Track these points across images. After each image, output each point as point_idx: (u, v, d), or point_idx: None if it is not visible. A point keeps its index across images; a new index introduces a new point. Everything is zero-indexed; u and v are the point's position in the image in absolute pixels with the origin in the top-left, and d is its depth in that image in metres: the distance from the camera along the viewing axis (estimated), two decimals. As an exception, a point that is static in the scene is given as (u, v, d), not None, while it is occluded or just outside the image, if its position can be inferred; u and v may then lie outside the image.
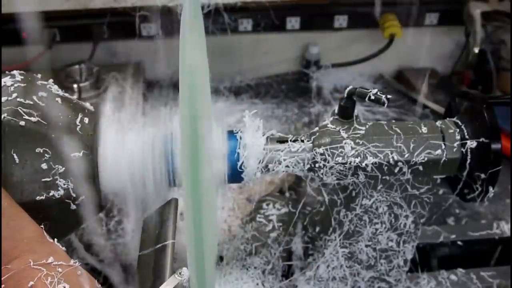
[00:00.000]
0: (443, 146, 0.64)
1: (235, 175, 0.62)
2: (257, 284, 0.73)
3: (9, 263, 0.46)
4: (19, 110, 0.53)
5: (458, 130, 0.66)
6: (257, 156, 0.61)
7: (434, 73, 1.37)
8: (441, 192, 1.01)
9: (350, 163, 0.63)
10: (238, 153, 0.61)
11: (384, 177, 0.65)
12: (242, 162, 0.61)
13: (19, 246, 0.48)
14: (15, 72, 0.58)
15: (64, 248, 0.50)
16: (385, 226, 0.71)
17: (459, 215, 0.99)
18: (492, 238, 0.89)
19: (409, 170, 0.64)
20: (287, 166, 0.64)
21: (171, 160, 0.58)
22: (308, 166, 0.64)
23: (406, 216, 0.70)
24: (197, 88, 0.50)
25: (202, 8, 1.16)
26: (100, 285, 0.49)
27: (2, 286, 0.45)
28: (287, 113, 1.25)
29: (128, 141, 0.58)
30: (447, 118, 0.69)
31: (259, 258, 0.76)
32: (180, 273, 0.51)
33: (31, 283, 0.45)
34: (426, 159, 0.64)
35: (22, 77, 0.57)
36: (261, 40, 1.31)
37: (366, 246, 0.73)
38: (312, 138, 0.65)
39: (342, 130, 0.64)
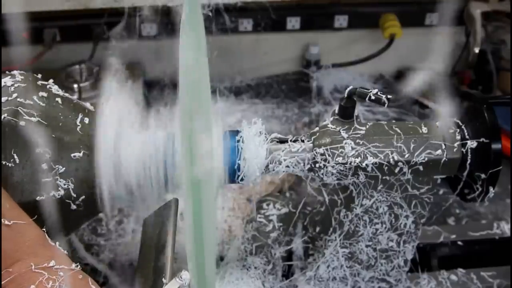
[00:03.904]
0: (444, 146, 0.64)
1: (235, 175, 0.62)
2: (258, 284, 0.73)
3: (10, 266, 0.46)
4: (19, 110, 0.53)
5: (458, 130, 0.66)
6: (257, 156, 0.61)
7: (434, 73, 1.37)
8: (441, 192, 1.01)
9: (350, 163, 0.63)
10: (238, 153, 0.61)
11: (384, 177, 0.65)
12: (242, 162, 0.61)
13: (21, 249, 0.47)
14: (15, 72, 0.58)
15: (66, 252, 0.50)
16: (385, 226, 0.71)
17: (459, 215, 0.99)
18: (492, 238, 0.89)
19: (409, 170, 0.64)
20: (287, 166, 0.64)
21: (171, 160, 0.58)
22: (308, 166, 0.64)
23: (407, 216, 0.70)
24: (197, 88, 0.50)
25: (202, 8, 1.16)
26: None
27: None
28: (287, 113, 1.25)
29: (129, 141, 0.58)
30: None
31: (260, 258, 0.76)
32: (180, 277, 0.51)
33: (32, 286, 0.44)
34: (426, 159, 0.64)
35: (22, 77, 0.57)
36: (261, 40, 1.31)
37: (367, 246, 0.73)
38: (312, 138, 0.65)
39: (343, 130, 0.64)
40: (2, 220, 0.47)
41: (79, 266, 0.49)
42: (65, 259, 0.49)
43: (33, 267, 0.46)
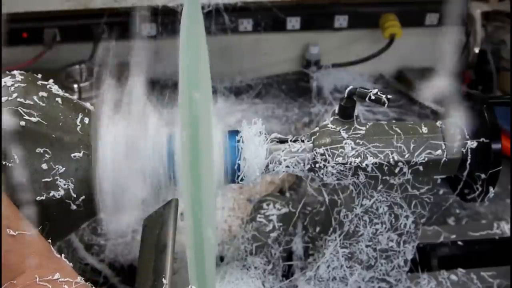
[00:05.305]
0: (444, 146, 0.64)
1: (235, 175, 0.62)
2: (258, 284, 0.73)
3: (14, 278, 0.46)
4: (20, 110, 0.53)
5: (458, 130, 0.66)
6: (257, 156, 0.61)
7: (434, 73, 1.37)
8: (441, 192, 1.01)
9: (350, 163, 0.63)
10: (238, 153, 0.61)
11: (384, 177, 0.65)
12: (242, 162, 0.61)
13: (26, 260, 0.47)
14: (15, 72, 0.58)
15: (71, 264, 0.50)
16: (385, 226, 0.71)
17: (459, 215, 0.99)
18: (492, 238, 0.89)
19: (409, 170, 0.64)
20: (287, 166, 0.64)
21: (171, 160, 0.58)
22: (308, 166, 0.64)
23: (407, 216, 0.70)
24: (198, 88, 0.50)
25: (202, 8, 1.16)
26: None
27: None
28: (287, 113, 1.25)
29: (129, 141, 0.58)
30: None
31: (260, 258, 0.76)
32: None
33: None
34: (426, 159, 0.64)
35: (22, 77, 0.57)
36: (261, 40, 1.31)
37: (367, 246, 0.73)
38: (312, 138, 0.65)
39: (343, 130, 0.64)
40: (8, 231, 0.47)
41: (83, 279, 0.48)
42: (70, 272, 0.48)
43: (37, 279, 0.45)
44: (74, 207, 0.56)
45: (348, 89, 0.64)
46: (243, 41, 1.30)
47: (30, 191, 0.53)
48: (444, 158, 0.64)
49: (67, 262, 0.50)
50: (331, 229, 0.73)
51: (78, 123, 0.57)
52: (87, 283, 0.49)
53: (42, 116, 0.54)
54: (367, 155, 0.63)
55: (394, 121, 0.82)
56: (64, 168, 0.54)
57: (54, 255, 0.49)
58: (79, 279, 0.48)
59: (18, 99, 0.54)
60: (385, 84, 1.36)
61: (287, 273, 0.80)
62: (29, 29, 1.19)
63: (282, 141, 0.64)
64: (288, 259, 0.81)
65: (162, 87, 1.24)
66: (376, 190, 0.67)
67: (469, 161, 0.65)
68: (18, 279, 0.46)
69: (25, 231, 0.48)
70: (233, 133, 0.62)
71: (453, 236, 0.88)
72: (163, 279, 0.53)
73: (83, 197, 0.56)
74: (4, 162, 0.52)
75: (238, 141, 0.61)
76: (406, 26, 1.26)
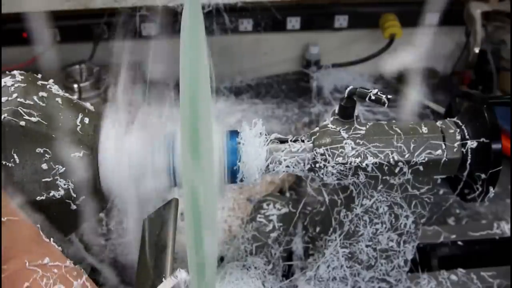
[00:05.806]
0: (444, 146, 0.64)
1: (235, 175, 0.62)
2: (258, 284, 0.73)
3: (4, 263, 0.46)
4: (20, 110, 0.53)
5: (458, 130, 0.66)
6: (257, 157, 0.61)
7: (434, 73, 1.37)
8: (441, 192, 1.01)
9: (350, 163, 0.63)
10: (238, 153, 0.61)
11: (384, 177, 0.65)
12: (243, 163, 0.61)
13: (15, 246, 0.47)
14: (15, 72, 0.58)
15: (60, 248, 0.50)
16: (386, 226, 0.71)
17: (459, 215, 0.99)
18: (492, 238, 0.89)
19: (410, 170, 0.64)
20: (287, 166, 0.64)
21: (171, 160, 0.58)
22: (309, 166, 0.64)
23: (407, 216, 0.70)
24: (198, 88, 0.50)
25: (202, 8, 1.16)
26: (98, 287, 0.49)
27: None
28: (287, 113, 1.25)
29: (129, 141, 0.58)
30: (448, 118, 0.69)
31: (260, 258, 0.76)
32: (176, 276, 0.51)
33: (27, 284, 0.44)
34: (426, 159, 0.64)
35: (22, 77, 0.57)
36: (261, 40, 1.31)
37: (367, 246, 0.73)
38: (313, 138, 0.65)
39: (343, 130, 0.64)
40: None
41: (72, 263, 0.48)
42: (59, 256, 0.49)
43: (27, 264, 0.46)
44: (74, 207, 0.56)
45: (348, 89, 0.64)
46: (243, 41, 1.30)
47: (30, 191, 0.53)
48: (444, 158, 0.64)
49: (56, 246, 0.50)
50: (331, 229, 0.73)
51: (78, 123, 0.57)
52: (76, 266, 0.49)
53: (42, 116, 0.54)
54: (367, 155, 0.63)
55: (394, 121, 0.82)
56: (64, 168, 0.54)
57: (43, 240, 0.49)
58: (68, 262, 0.48)
59: (18, 99, 0.54)
60: (385, 84, 1.36)
61: (287, 273, 0.80)
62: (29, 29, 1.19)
63: (282, 141, 0.64)
64: (288, 259, 0.81)
65: (162, 87, 1.24)
66: (376, 190, 0.67)
67: (469, 161, 0.65)
68: (7, 265, 0.46)
69: (13, 217, 0.48)
70: (234, 133, 0.62)
71: (453, 236, 0.88)
72: (163, 279, 0.53)
73: (83, 197, 0.56)
74: (4, 162, 0.52)
75: (239, 142, 0.61)
76: (406, 26, 1.26)
